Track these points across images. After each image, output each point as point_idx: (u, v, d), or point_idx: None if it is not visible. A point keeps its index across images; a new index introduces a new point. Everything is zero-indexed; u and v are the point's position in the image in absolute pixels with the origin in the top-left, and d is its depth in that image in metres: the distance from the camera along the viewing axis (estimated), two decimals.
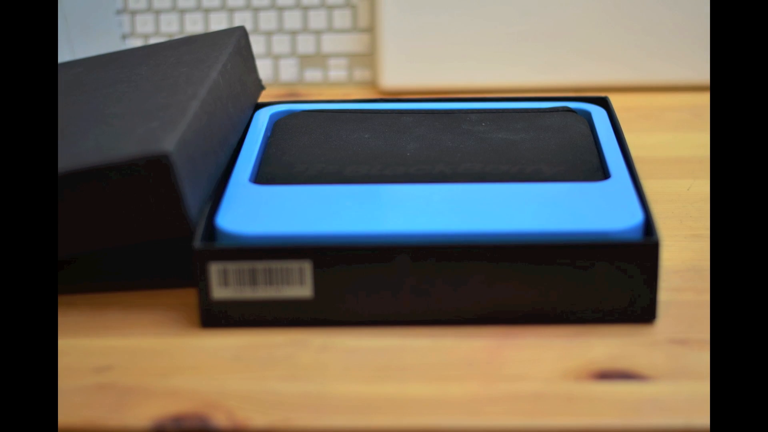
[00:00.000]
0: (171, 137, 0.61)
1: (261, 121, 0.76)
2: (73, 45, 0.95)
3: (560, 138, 0.72)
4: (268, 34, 0.98)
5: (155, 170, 0.60)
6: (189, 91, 0.67)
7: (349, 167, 0.69)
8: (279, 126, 0.75)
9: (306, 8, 0.98)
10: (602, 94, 0.83)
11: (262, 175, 0.68)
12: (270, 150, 0.72)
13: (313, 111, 0.78)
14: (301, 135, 0.74)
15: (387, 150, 0.71)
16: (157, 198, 0.61)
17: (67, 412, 0.55)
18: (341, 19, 0.98)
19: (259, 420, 0.55)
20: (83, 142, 0.63)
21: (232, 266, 0.60)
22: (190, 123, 0.63)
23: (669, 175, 0.79)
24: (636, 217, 0.62)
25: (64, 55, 0.94)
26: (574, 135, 0.73)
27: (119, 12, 0.98)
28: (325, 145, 0.72)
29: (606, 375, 0.57)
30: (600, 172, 0.68)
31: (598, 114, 0.76)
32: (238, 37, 0.78)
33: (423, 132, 0.74)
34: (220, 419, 0.55)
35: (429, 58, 0.96)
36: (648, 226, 0.62)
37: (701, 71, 0.96)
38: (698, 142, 0.85)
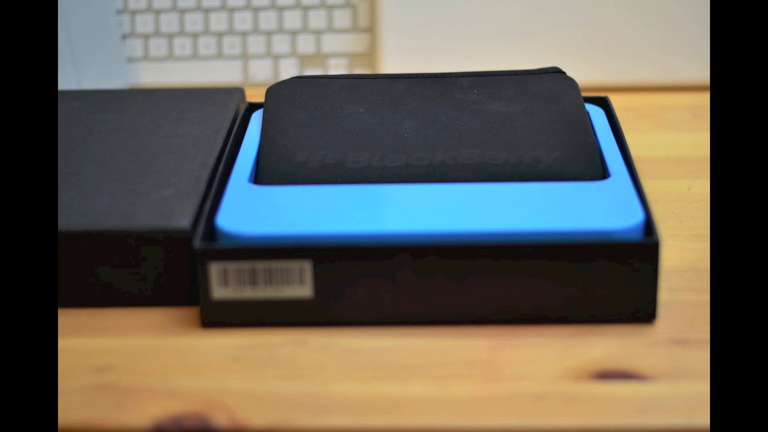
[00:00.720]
0: (188, 211, 0.63)
1: (258, 121, 0.76)
2: (72, 45, 0.95)
3: (553, 111, 0.73)
4: (268, 34, 0.98)
5: (170, 242, 0.62)
6: (198, 158, 0.70)
7: (350, 155, 0.69)
8: (272, 97, 0.75)
9: (306, 8, 0.98)
10: (602, 94, 0.83)
11: (264, 165, 0.68)
12: (269, 131, 0.72)
13: (304, 78, 0.78)
14: (297, 110, 0.74)
15: (384, 128, 0.71)
16: (165, 267, 0.63)
17: (67, 412, 0.55)
18: (341, 19, 0.98)
19: (259, 420, 0.55)
20: (96, 198, 0.65)
21: (232, 266, 0.60)
22: (203, 193, 0.66)
23: (669, 175, 0.79)
24: (636, 217, 0.62)
25: (64, 54, 0.94)
26: (566, 106, 0.74)
27: (119, 12, 0.98)
28: (321, 123, 0.72)
29: (606, 375, 0.57)
30: (597, 151, 0.69)
31: (598, 114, 0.76)
32: (237, 100, 0.81)
33: (417, 104, 0.74)
34: (220, 419, 0.55)
35: (429, 58, 0.96)
36: (648, 226, 0.62)
37: (701, 71, 0.96)
38: (698, 142, 0.85)
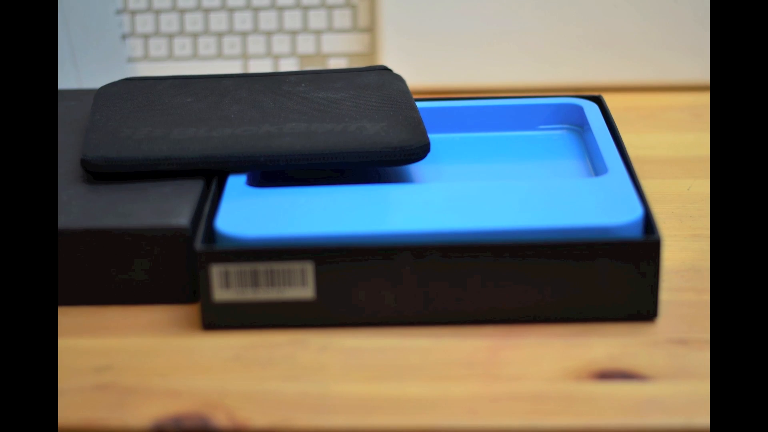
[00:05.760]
0: (186, 209, 0.64)
1: None
2: (72, 45, 0.95)
3: (380, 95, 0.74)
4: (268, 34, 0.98)
5: (169, 240, 0.62)
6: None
7: (176, 130, 0.69)
8: (100, 94, 0.76)
9: (306, 8, 0.98)
10: (602, 94, 0.82)
11: (89, 144, 0.68)
12: (94, 117, 0.72)
13: (134, 79, 0.78)
14: (123, 102, 0.74)
15: (211, 112, 0.72)
16: (164, 265, 0.63)
17: (67, 412, 0.55)
18: (341, 19, 0.98)
19: (259, 420, 0.55)
20: (94, 196, 0.65)
21: (233, 268, 0.60)
22: (202, 191, 0.66)
23: (669, 175, 0.79)
24: (635, 212, 0.62)
25: (64, 54, 0.94)
26: (392, 92, 0.74)
27: (119, 12, 0.98)
28: (148, 110, 0.73)
29: (606, 375, 0.57)
30: (422, 123, 0.69)
31: (593, 111, 0.76)
32: None
33: (245, 95, 0.75)
34: (220, 419, 0.55)
35: (429, 58, 0.96)
36: (648, 222, 0.62)
37: (701, 71, 0.96)
38: (698, 142, 0.85)
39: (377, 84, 0.76)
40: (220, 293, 0.61)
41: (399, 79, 0.77)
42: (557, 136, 0.77)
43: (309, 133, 0.68)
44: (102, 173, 0.67)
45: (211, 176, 0.68)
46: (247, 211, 0.63)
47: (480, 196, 0.64)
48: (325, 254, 0.60)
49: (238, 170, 0.67)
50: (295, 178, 0.71)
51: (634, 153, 0.82)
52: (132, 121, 0.71)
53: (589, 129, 0.74)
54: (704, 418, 0.54)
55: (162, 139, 0.68)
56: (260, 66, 0.98)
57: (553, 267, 0.60)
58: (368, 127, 0.68)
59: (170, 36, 0.99)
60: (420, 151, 0.67)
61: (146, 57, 0.99)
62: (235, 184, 0.67)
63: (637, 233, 0.61)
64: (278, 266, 0.60)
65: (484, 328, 0.61)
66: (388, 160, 0.67)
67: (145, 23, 0.98)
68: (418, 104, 0.78)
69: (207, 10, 0.98)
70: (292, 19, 0.98)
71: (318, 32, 0.98)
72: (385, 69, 0.79)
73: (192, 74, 0.80)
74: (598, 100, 0.79)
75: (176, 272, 0.63)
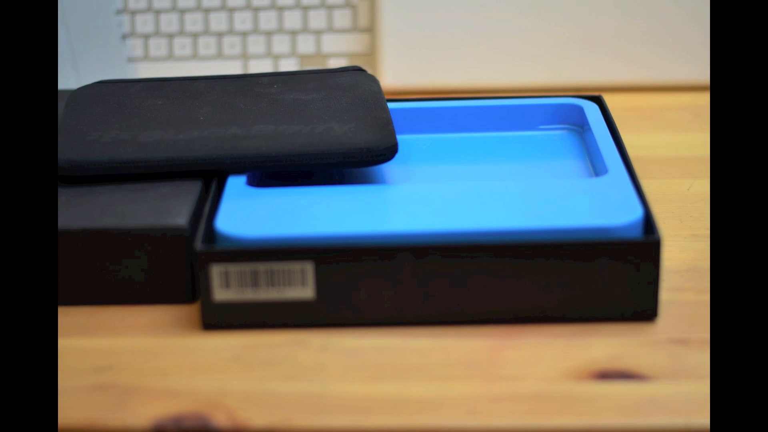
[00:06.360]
0: (184, 209, 0.64)
1: None
2: (72, 45, 0.95)
3: (350, 96, 0.74)
4: (268, 34, 0.98)
5: (168, 241, 0.63)
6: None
7: (143, 133, 0.69)
8: (73, 97, 0.76)
9: (306, 8, 0.98)
10: (602, 94, 0.82)
11: (59, 145, 0.68)
12: (64, 120, 0.72)
13: (107, 82, 0.78)
14: (95, 104, 0.74)
15: (180, 114, 0.72)
16: (163, 265, 0.63)
17: (67, 412, 0.55)
18: (341, 19, 0.98)
19: (259, 420, 0.55)
20: (93, 196, 0.66)
21: (233, 268, 0.60)
22: (200, 192, 0.66)
23: (669, 175, 0.79)
24: (635, 213, 0.62)
25: (64, 54, 0.94)
26: (364, 93, 0.74)
27: (119, 12, 0.98)
28: (118, 113, 0.73)
29: (606, 375, 0.57)
30: (391, 124, 0.69)
31: (593, 112, 0.76)
32: None
33: (216, 96, 0.75)
34: (220, 419, 0.55)
35: (429, 58, 0.96)
36: (648, 222, 0.62)
37: (701, 71, 0.96)
38: (698, 142, 0.85)
39: (349, 85, 0.76)
40: (220, 293, 0.61)
41: (372, 80, 0.77)
42: (557, 136, 0.77)
43: (276, 134, 0.68)
44: (68, 176, 0.67)
45: (209, 177, 0.68)
46: (247, 211, 0.63)
47: (480, 196, 0.64)
48: (325, 254, 0.60)
49: (205, 172, 0.67)
50: (296, 177, 0.71)
51: (634, 153, 0.82)
52: (101, 124, 0.71)
53: (589, 129, 0.74)
54: (704, 418, 0.54)
55: (129, 142, 0.68)
56: (260, 66, 0.99)
57: (554, 267, 0.60)
58: (336, 129, 0.68)
59: (170, 36, 0.99)
60: (387, 151, 0.67)
61: (146, 57, 0.99)
62: (235, 184, 0.67)
63: (637, 233, 0.61)
64: (278, 266, 0.60)
65: (484, 328, 0.61)
66: (356, 161, 0.67)
67: (145, 23, 0.98)
68: (418, 105, 0.78)
69: (207, 10, 0.98)
70: (292, 19, 0.98)
71: (318, 32, 0.98)
72: (359, 70, 0.79)
73: (166, 77, 0.80)
74: (598, 100, 0.79)
75: (175, 272, 0.63)
